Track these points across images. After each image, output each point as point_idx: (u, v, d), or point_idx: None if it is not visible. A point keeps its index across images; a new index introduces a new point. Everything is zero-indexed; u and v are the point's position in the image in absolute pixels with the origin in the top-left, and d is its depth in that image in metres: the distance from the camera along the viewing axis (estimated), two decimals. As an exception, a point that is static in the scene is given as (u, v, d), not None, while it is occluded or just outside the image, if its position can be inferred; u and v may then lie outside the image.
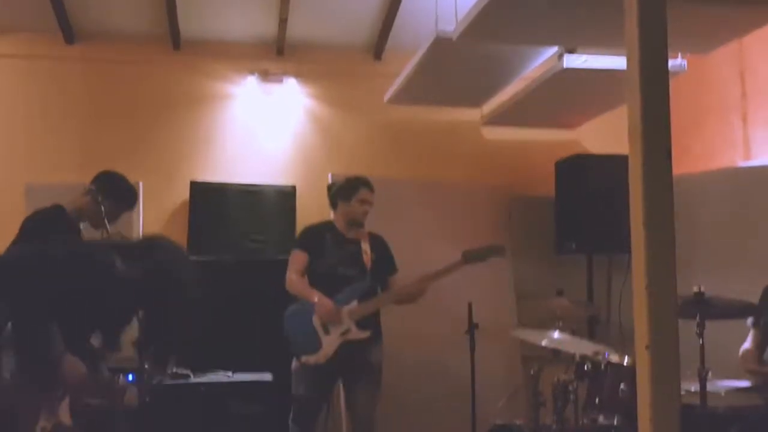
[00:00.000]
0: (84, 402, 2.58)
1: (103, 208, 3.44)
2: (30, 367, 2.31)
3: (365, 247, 4.04)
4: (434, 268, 3.97)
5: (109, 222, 3.55)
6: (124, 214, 3.75)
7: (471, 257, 3.94)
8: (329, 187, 4.35)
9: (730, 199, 4.48)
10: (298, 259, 4.03)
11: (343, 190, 4.11)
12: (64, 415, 2.45)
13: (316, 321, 3.89)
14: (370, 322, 3.94)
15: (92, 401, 2.61)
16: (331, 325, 3.88)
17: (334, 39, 5.35)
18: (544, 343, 3.71)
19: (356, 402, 3.98)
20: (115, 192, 3.61)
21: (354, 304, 3.90)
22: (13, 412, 2.26)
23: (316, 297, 3.88)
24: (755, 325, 3.53)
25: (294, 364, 4.00)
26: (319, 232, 4.10)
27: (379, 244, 4.14)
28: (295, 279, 3.99)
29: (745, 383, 3.35)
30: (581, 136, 5.50)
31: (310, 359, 3.89)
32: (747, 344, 3.55)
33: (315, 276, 3.99)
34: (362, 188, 4.08)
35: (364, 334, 3.89)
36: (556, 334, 3.71)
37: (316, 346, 3.88)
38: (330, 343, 3.88)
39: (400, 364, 4.72)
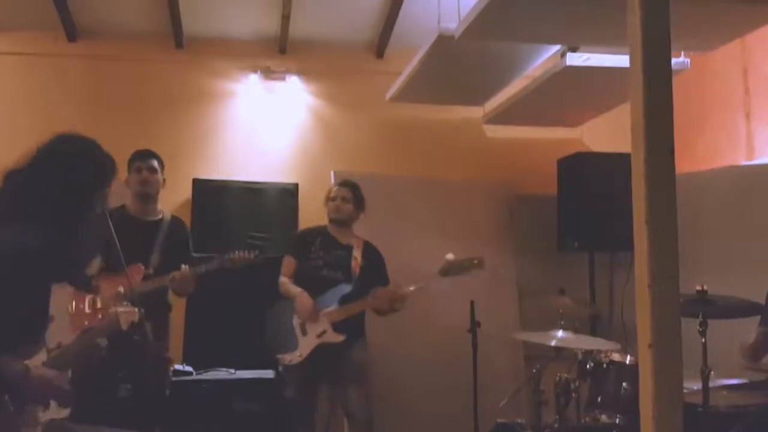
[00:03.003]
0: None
1: None
2: None
3: (356, 253, 4.07)
4: (436, 266, 3.96)
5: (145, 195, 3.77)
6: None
7: (449, 271, 3.88)
8: None
9: (733, 197, 4.47)
10: (286, 264, 4.11)
11: (326, 194, 4.23)
12: (54, 412, 2.35)
13: (295, 320, 3.92)
14: (351, 324, 3.93)
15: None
16: (309, 326, 3.90)
17: (336, 37, 5.35)
18: (549, 342, 3.69)
19: (347, 402, 3.97)
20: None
21: (333, 306, 3.91)
22: None
23: (297, 292, 3.93)
24: (762, 324, 3.51)
25: (280, 366, 4.04)
26: (309, 235, 4.17)
27: (372, 254, 4.14)
28: (283, 280, 4.07)
29: (747, 382, 3.34)
30: (583, 135, 5.50)
31: (286, 358, 3.91)
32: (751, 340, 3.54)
33: (301, 278, 4.03)
34: (333, 187, 4.21)
35: (339, 338, 3.88)
36: (559, 333, 3.70)
37: (293, 345, 3.91)
38: (306, 343, 3.89)
39: (402, 362, 4.73)
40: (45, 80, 5.09)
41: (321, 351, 3.87)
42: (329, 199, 4.15)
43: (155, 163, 3.84)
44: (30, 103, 5.08)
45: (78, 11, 5.00)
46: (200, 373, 4.46)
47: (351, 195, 4.13)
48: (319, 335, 3.88)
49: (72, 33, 5.11)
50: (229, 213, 5.04)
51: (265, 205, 5.09)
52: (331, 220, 4.14)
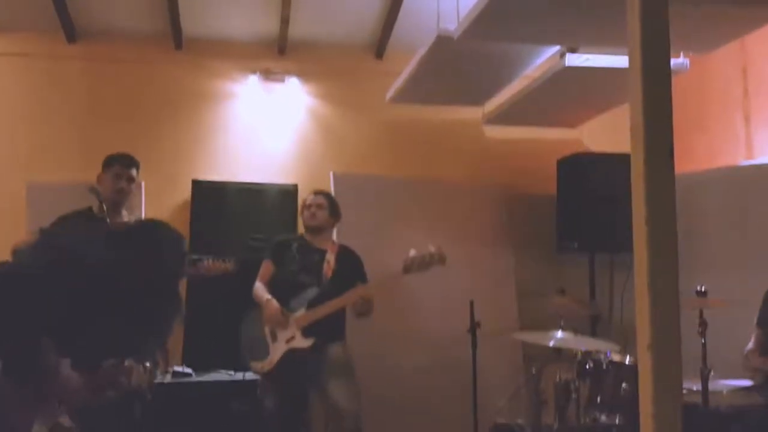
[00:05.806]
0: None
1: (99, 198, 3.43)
2: (19, 378, 2.22)
3: (330, 257, 4.07)
4: (398, 264, 3.93)
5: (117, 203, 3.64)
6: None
7: (411, 268, 3.82)
8: None
9: (732, 197, 4.48)
10: (264, 268, 4.13)
11: (301, 203, 4.28)
12: (63, 419, 2.39)
13: (267, 327, 3.91)
14: (325, 326, 3.85)
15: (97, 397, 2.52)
16: (279, 332, 3.88)
17: (335, 38, 5.36)
18: (549, 343, 3.69)
19: (335, 401, 3.86)
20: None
21: (302, 311, 3.89)
22: (4, 419, 2.19)
23: (265, 299, 3.93)
24: (759, 324, 3.52)
25: (258, 379, 4.00)
26: (287, 242, 4.21)
27: (347, 257, 4.14)
28: (257, 286, 4.07)
29: (746, 382, 3.35)
30: (583, 135, 5.50)
31: (257, 366, 3.90)
32: (751, 344, 3.55)
33: (277, 283, 4.04)
34: (308, 196, 4.25)
35: (307, 343, 3.84)
36: (559, 333, 3.70)
37: (264, 352, 3.89)
38: (276, 350, 3.88)
39: (401, 362, 4.73)
40: (44, 81, 5.09)
41: (292, 356, 3.84)
42: (304, 207, 4.20)
43: (134, 173, 3.74)
44: (29, 104, 5.08)
45: (77, 12, 5.00)
46: (200, 375, 4.45)
47: (326, 203, 4.18)
48: (288, 341, 3.86)
49: (71, 34, 5.11)
50: (229, 214, 5.04)
51: (265, 206, 5.09)
52: (306, 228, 4.19)
